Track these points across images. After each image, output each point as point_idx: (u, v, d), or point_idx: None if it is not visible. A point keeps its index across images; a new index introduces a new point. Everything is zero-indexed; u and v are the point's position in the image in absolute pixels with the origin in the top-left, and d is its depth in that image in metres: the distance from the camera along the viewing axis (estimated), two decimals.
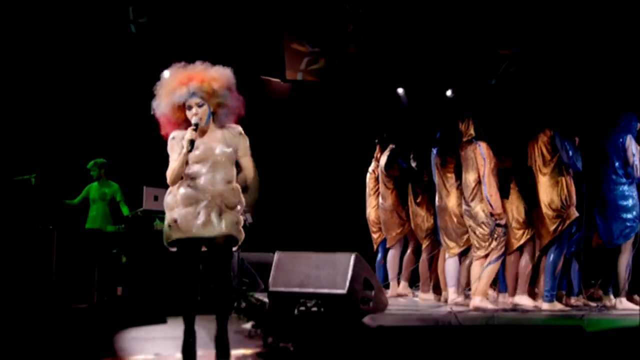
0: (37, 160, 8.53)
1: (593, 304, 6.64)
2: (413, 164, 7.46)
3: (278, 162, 9.46)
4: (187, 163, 4.15)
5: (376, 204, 8.02)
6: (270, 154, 9.40)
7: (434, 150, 6.96)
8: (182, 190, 4.17)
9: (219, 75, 4.30)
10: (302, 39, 9.67)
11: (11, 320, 6.11)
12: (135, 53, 9.04)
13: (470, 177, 6.47)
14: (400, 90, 10.19)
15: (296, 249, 6.02)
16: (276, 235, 8.66)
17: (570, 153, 6.35)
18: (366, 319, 5.53)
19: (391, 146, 7.88)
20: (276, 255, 5.78)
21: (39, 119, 8.79)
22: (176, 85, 4.20)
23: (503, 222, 6.37)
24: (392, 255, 7.87)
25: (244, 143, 4.35)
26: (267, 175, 9.23)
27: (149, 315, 6.41)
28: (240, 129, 4.37)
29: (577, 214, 6.39)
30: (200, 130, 4.21)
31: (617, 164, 6.48)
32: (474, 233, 6.44)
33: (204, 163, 4.19)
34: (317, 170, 9.63)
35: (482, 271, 6.35)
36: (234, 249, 4.35)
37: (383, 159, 7.85)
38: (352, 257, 5.43)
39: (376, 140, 8.18)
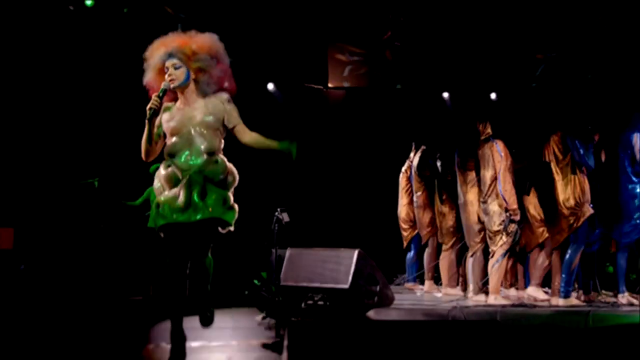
0: (101, 164, 8.83)
1: (610, 300, 6.46)
2: (438, 164, 7.50)
3: (318, 163, 9.61)
4: (164, 137, 3.79)
5: (407, 202, 8.10)
6: (311, 155, 9.58)
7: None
8: (162, 170, 3.78)
9: (202, 40, 3.91)
10: (345, 50, 9.77)
11: (77, 310, 6.30)
12: None
13: (487, 174, 6.46)
14: (445, 95, 10.09)
15: (331, 245, 6.08)
16: (313, 232, 8.79)
17: (582, 152, 6.23)
18: (370, 313, 5.60)
19: (423, 147, 7.94)
20: (287, 252, 5.92)
21: (104, 125, 9.10)
22: (157, 47, 3.86)
23: (517, 218, 6.30)
24: (428, 254, 7.89)
25: (232, 111, 3.87)
26: (305, 174, 9.49)
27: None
28: (226, 96, 3.89)
29: (591, 212, 6.25)
30: (184, 100, 3.83)
31: (626, 162, 6.32)
32: (488, 229, 6.42)
33: (180, 135, 3.75)
34: (355, 170, 9.72)
35: (491, 268, 6.32)
36: (223, 230, 3.84)
37: (415, 160, 7.92)
38: (355, 253, 5.51)
39: (413, 142, 8.25)
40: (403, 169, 8.31)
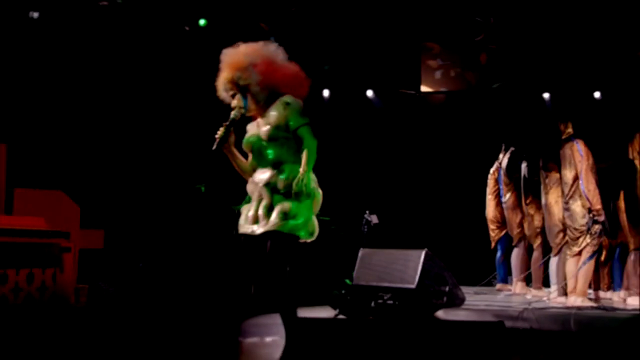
0: (208, 171, 9.18)
1: None
2: (523, 166, 7.32)
3: (409, 165, 9.60)
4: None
5: (494, 203, 7.96)
6: (401, 156, 9.59)
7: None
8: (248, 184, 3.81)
9: (235, 55, 3.78)
10: (436, 55, 9.69)
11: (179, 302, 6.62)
12: None
13: (568, 175, 6.21)
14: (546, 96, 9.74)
15: (420, 246, 6.02)
16: (403, 233, 8.79)
17: None
18: (439, 313, 5.53)
19: (512, 148, 7.78)
20: (360, 252, 5.97)
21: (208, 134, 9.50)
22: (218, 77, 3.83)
23: (601, 218, 6.00)
24: (517, 254, 7.71)
25: (291, 112, 3.66)
26: (397, 176, 9.48)
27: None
28: (286, 98, 3.70)
29: None
30: (259, 113, 3.76)
31: None
32: (570, 230, 6.15)
33: (252, 151, 3.75)
34: (445, 171, 9.63)
35: (578, 270, 6.03)
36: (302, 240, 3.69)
37: (504, 161, 7.78)
38: (423, 253, 5.47)
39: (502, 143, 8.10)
40: (491, 170, 8.18)
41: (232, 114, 3.73)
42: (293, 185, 3.58)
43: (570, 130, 6.30)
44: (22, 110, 6.74)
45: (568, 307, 5.74)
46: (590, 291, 6.42)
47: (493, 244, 8.02)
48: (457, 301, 5.64)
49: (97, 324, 4.74)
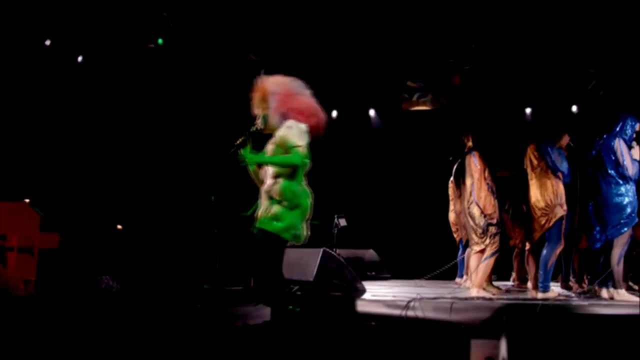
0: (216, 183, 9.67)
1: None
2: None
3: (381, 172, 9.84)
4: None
5: (453, 208, 8.17)
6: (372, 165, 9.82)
7: None
8: None
9: (267, 85, 4.18)
10: (415, 78, 9.92)
11: (188, 296, 6.97)
12: None
13: (468, 183, 6.41)
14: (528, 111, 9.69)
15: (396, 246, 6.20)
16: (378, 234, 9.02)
17: (553, 157, 5.93)
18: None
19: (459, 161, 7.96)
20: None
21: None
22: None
23: (494, 221, 6.16)
24: (467, 253, 7.86)
25: (290, 134, 4.07)
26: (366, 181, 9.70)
27: None
28: (289, 122, 4.12)
29: (563, 212, 5.89)
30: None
31: (609, 165, 5.83)
32: (473, 231, 6.32)
33: (262, 165, 4.20)
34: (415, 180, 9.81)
35: (479, 266, 6.20)
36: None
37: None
38: (320, 252, 5.80)
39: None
40: (450, 179, 8.32)
41: (252, 127, 4.17)
42: (276, 195, 4.05)
43: (470, 143, 6.49)
44: None
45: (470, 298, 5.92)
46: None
47: (457, 243, 8.18)
48: (356, 293, 5.92)
49: (39, 311, 5.29)
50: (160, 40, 8.74)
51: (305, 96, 4.26)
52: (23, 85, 8.33)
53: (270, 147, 4.14)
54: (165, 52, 9.10)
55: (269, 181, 4.10)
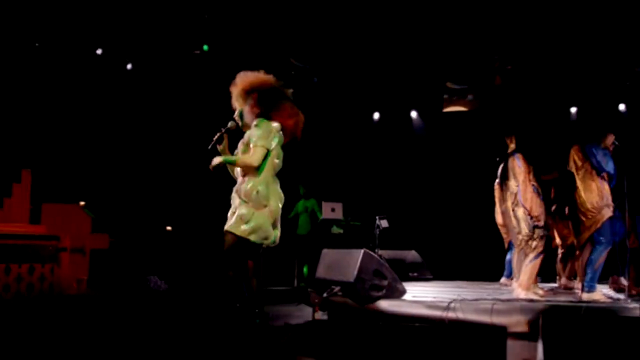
0: None
1: None
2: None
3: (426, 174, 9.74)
4: None
5: (500, 210, 8.00)
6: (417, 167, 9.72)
7: None
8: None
9: (245, 83, 4.14)
10: (455, 80, 9.81)
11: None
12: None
13: (512, 185, 6.23)
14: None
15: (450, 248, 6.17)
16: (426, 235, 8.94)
17: (598, 158, 5.74)
18: (383, 304, 5.74)
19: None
20: (323, 252, 6.35)
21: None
22: None
23: (540, 223, 5.99)
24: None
25: (255, 132, 3.98)
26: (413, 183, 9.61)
27: None
28: (257, 121, 4.03)
29: (610, 214, 5.69)
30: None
31: None
32: (520, 233, 6.17)
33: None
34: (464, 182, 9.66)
35: (524, 267, 6.06)
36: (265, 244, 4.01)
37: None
38: (361, 252, 5.75)
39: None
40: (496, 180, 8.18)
41: (229, 123, 4.14)
42: (242, 195, 3.98)
43: (513, 145, 6.31)
44: (42, 140, 7.79)
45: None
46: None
47: (506, 245, 8.03)
48: (396, 293, 5.85)
49: (92, 309, 5.46)
50: (205, 47, 8.86)
51: (283, 97, 4.15)
52: (77, 93, 8.57)
53: (240, 146, 4.06)
54: (211, 57, 9.22)
55: (239, 180, 4.01)
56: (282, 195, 4.18)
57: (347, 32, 9.02)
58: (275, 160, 4.10)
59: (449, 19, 8.60)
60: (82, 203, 6.51)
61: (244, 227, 3.95)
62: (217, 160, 4.06)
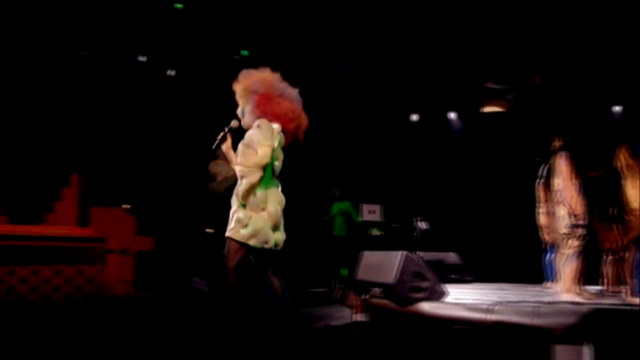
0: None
1: None
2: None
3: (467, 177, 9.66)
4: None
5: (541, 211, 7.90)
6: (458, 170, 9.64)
7: None
8: None
9: (248, 81, 4.05)
10: (495, 80, 9.69)
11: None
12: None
13: (555, 183, 6.15)
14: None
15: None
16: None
17: None
18: (424, 305, 5.70)
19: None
20: (362, 253, 6.35)
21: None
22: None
23: (582, 222, 5.88)
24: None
25: (253, 134, 3.88)
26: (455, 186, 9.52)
27: None
28: (258, 121, 3.92)
29: None
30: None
31: None
32: (560, 232, 6.07)
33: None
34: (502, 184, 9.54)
35: (563, 268, 5.95)
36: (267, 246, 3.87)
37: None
38: (400, 254, 5.73)
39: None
40: (537, 180, 8.06)
41: (232, 122, 4.08)
42: (240, 198, 3.89)
43: (560, 143, 6.23)
44: (90, 145, 7.96)
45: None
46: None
47: (544, 246, 7.90)
48: (436, 295, 5.80)
49: (140, 310, 5.57)
50: (244, 52, 8.95)
51: (286, 99, 4.03)
52: (123, 100, 8.76)
53: (240, 147, 3.95)
54: (250, 62, 9.30)
55: (238, 182, 3.91)
56: (282, 198, 4.07)
57: (385, 33, 9.00)
58: (276, 163, 4.02)
59: (487, 19, 8.51)
60: (126, 206, 6.65)
61: (243, 231, 3.88)
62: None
